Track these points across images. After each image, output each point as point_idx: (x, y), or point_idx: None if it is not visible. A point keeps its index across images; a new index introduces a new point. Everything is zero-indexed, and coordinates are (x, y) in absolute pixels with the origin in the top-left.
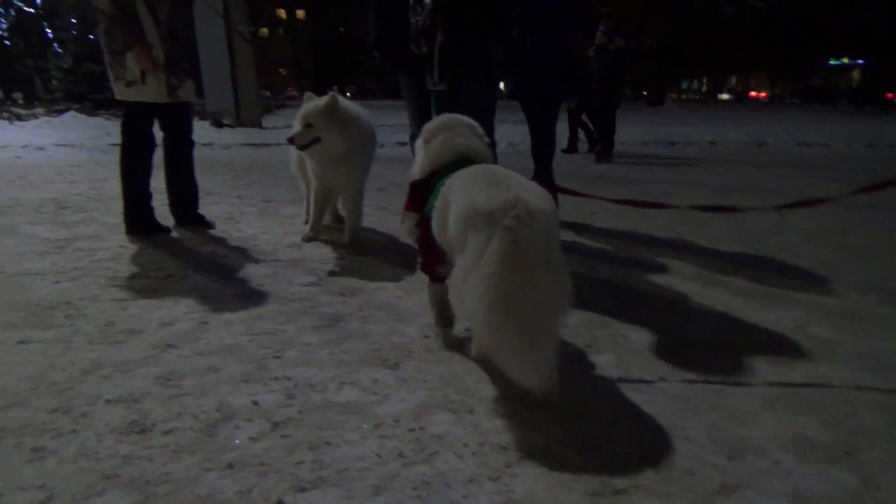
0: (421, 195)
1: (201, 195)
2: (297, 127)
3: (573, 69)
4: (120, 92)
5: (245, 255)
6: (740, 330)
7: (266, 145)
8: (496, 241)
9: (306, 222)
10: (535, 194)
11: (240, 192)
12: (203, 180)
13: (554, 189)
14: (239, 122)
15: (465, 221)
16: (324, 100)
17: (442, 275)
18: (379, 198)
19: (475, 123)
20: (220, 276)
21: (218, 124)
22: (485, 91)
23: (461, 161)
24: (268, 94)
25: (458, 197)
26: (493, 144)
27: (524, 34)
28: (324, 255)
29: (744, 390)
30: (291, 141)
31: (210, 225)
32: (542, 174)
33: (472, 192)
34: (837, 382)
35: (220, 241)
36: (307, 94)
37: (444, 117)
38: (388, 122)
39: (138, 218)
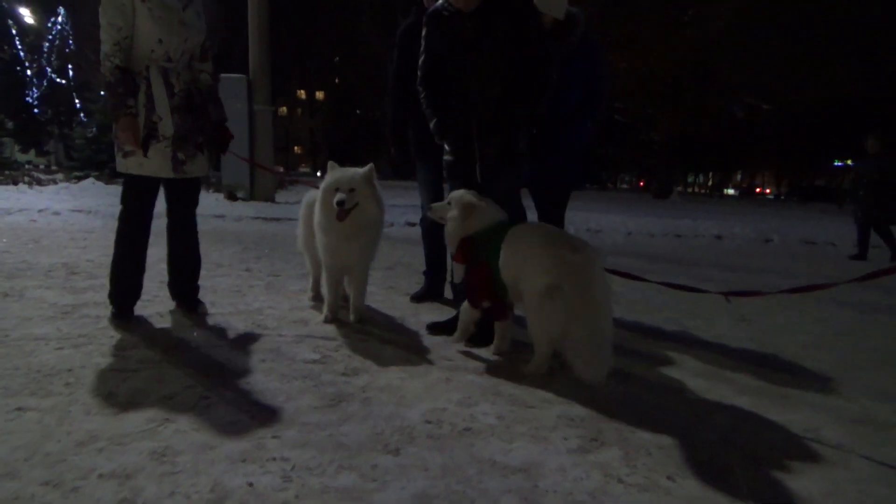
0: (471, 248)
1: (210, 267)
2: (333, 194)
3: (588, 159)
4: (119, 163)
5: (250, 329)
6: (749, 431)
7: (277, 220)
8: (595, 283)
9: (312, 298)
10: (581, 243)
11: (248, 265)
12: (213, 252)
13: None
14: (252, 196)
15: (559, 267)
16: (362, 168)
17: (483, 306)
18: (387, 277)
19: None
20: (224, 350)
21: (232, 197)
22: (514, 185)
23: (499, 225)
24: (281, 170)
25: (536, 245)
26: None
27: (541, 126)
28: (328, 332)
29: (755, 496)
30: (341, 204)
31: (201, 313)
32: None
33: (555, 243)
34: (853, 492)
35: (227, 314)
36: (330, 163)
37: (473, 192)
38: (397, 203)
39: (120, 304)
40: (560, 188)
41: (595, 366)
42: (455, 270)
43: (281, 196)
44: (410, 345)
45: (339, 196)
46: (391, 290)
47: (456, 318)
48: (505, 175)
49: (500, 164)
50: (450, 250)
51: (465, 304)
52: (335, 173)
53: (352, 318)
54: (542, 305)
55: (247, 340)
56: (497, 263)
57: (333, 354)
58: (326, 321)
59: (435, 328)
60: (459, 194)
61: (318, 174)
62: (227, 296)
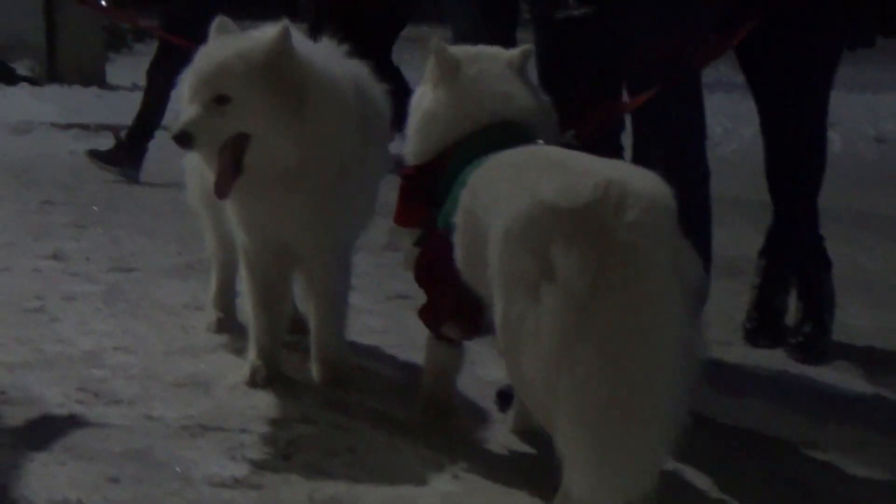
0: (423, 192)
1: None
2: (190, 105)
3: None
4: None
5: (70, 407)
6: None
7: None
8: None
9: (217, 324)
10: (635, 174)
11: (57, 245)
12: None
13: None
14: (53, 74)
15: (533, 233)
16: (261, 37)
17: (451, 335)
18: (389, 268)
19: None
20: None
21: (6, 76)
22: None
23: (497, 130)
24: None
25: (503, 194)
26: (705, 176)
27: None
28: (263, 407)
29: None
30: (183, 140)
31: None
32: (791, 224)
33: (532, 179)
34: None
35: (14, 365)
36: (218, 20)
37: (483, 46)
38: None
39: None
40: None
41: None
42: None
43: (118, 68)
44: (452, 450)
45: (183, 120)
46: (401, 302)
47: None
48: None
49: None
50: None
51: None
52: (204, 54)
53: (315, 374)
54: (519, 320)
55: (66, 440)
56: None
57: (270, 477)
58: (251, 382)
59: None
60: (456, 47)
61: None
62: (16, 321)
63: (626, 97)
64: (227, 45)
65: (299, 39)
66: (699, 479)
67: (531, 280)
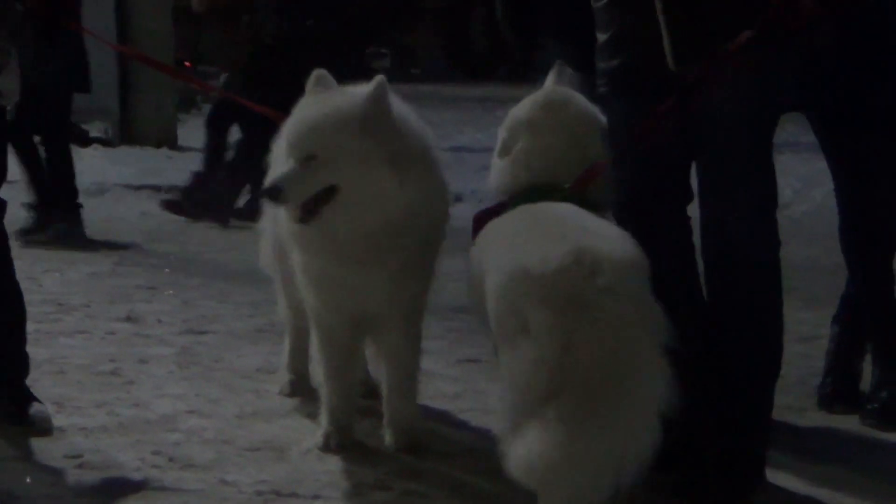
0: None
1: (44, 313)
2: (286, 162)
3: None
4: None
5: (146, 472)
6: None
7: None
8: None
9: (291, 388)
10: (611, 239)
11: (131, 308)
12: (45, 277)
13: None
14: (127, 136)
15: (512, 294)
16: (357, 93)
17: None
18: (459, 332)
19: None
20: None
21: (82, 139)
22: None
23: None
24: (188, 65)
25: (495, 256)
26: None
27: None
28: (337, 473)
29: None
30: (273, 194)
31: (39, 428)
32: (866, 289)
33: (519, 243)
34: None
35: (94, 431)
36: (316, 73)
37: (551, 94)
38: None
39: None
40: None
41: None
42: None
43: (190, 128)
44: None
45: (275, 177)
46: (473, 367)
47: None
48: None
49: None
50: None
51: None
52: (295, 116)
53: (388, 439)
54: (506, 366)
55: None
56: None
57: None
58: (325, 448)
59: None
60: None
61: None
62: (92, 384)
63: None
64: (322, 102)
65: (392, 97)
66: None
67: (512, 333)
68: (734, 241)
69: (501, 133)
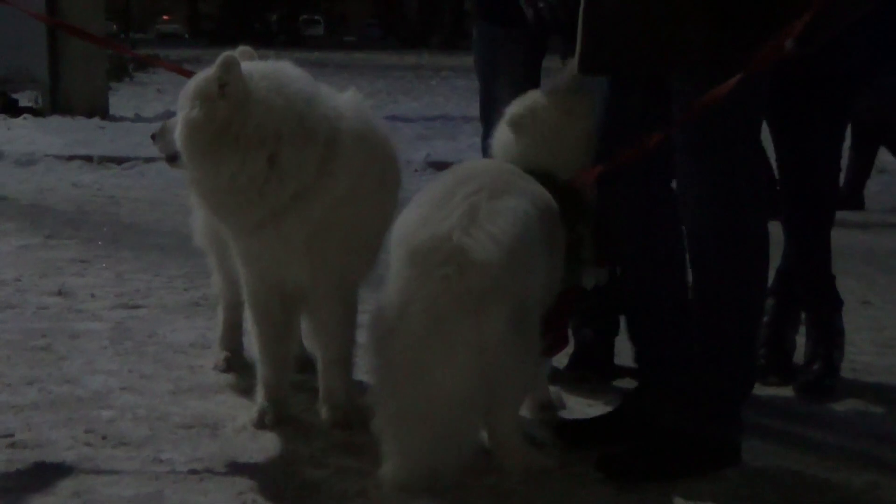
0: None
1: None
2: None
3: None
4: None
5: (87, 453)
6: None
7: (122, 160)
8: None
9: (225, 363)
10: (489, 231)
11: (63, 281)
12: None
13: None
14: (56, 105)
15: (393, 246)
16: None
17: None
18: None
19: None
20: None
21: (13, 109)
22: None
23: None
24: (116, 29)
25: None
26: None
27: None
28: (272, 450)
29: None
30: (153, 139)
31: None
32: (801, 262)
33: (413, 207)
34: None
35: (24, 408)
36: (241, 49)
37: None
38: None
39: None
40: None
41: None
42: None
43: (122, 98)
44: (467, 494)
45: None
46: None
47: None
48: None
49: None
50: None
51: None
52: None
53: (322, 416)
54: None
55: (76, 485)
56: None
57: None
58: (260, 424)
59: (571, 431)
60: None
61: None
62: (23, 360)
63: None
64: (207, 70)
65: (273, 69)
66: (712, 496)
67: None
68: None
69: (517, 106)
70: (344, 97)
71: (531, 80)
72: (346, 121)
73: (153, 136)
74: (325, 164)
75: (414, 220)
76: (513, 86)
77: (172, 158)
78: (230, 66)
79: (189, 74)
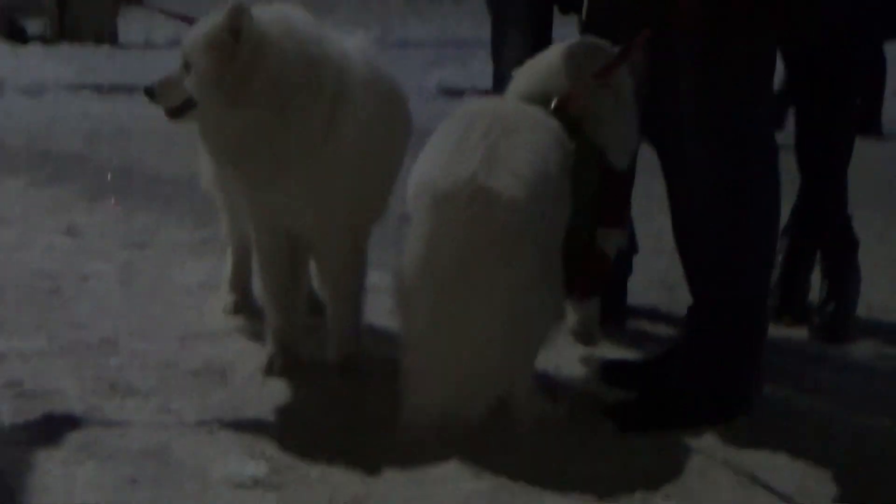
0: None
1: None
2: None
3: None
4: None
5: (95, 402)
6: None
7: (132, 89)
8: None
9: (235, 307)
10: (511, 168)
11: (71, 219)
12: None
13: None
14: (64, 32)
15: (414, 195)
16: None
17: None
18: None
19: None
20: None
21: (18, 35)
22: None
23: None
24: None
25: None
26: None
27: None
28: (280, 398)
29: None
30: (149, 93)
31: None
32: (817, 200)
33: (430, 151)
34: None
35: (30, 356)
36: None
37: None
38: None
39: None
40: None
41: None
42: None
43: (130, 22)
44: (476, 444)
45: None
46: None
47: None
48: None
49: None
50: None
51: None
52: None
53: (330, 359)
54: None
55: (84, 437)
56: None
57: (289, 476)
58: (268, 370)
59: (615, 371)
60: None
61: None
62: (32, 304)
63: None
64: (211, 17)
65: (282, 16)
66: (724, 454)
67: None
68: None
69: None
70: (352, 43)
71: (540, 23)
72: (354, 70)
73: (149, 91)
74: (334, 114)
75: (434, 169)
76: (521, 26)
77: (176, 112)
78: (242, 13)
79: (190, 21)
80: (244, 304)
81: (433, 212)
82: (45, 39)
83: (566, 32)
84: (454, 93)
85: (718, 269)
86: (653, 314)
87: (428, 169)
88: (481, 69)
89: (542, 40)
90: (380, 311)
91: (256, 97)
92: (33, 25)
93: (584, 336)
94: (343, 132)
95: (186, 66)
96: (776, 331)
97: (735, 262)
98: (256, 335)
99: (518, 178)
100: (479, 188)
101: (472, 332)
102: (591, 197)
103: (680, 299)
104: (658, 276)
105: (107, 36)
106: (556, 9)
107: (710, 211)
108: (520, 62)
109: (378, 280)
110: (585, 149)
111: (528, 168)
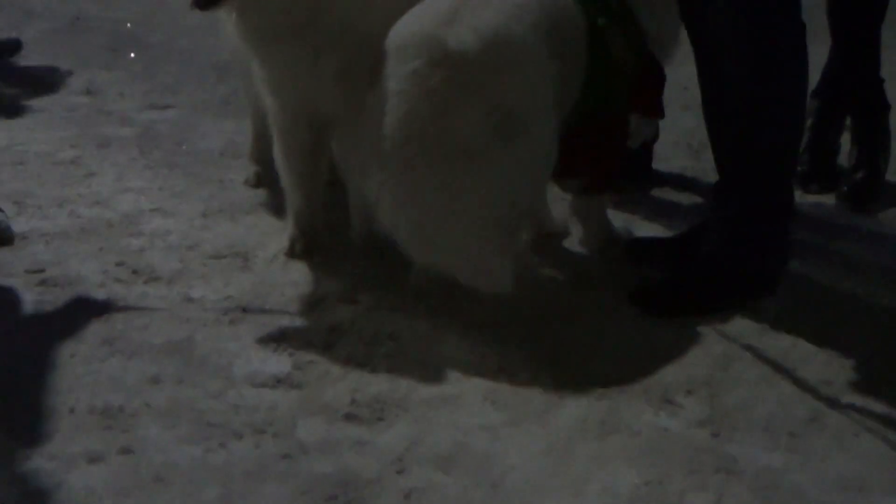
0: None
1: None
2: None
3: None
4: None
5: (118, 290)
6: None
7: None
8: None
9: (257, 178)
10: (470, 23)
11: (92, 77)
12: None
13: None
14: None
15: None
16: None
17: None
18: None
19: None
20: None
21: None
22: None
23: None
24: None
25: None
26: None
27: None
28: (302, 284)
29: None
30: None
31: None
32: (848, 61)
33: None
34: None
35: (55, 236)
36: None
37: None
38: None
39: None
40: None
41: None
42: None
43: None
44: (494, 335)
45: None
46: None
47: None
48: None
49: None
50: None
51: None
52: None
53: (355, 232)
54: None
55: (106, 330)
56: None
57: (311, 373)
58: (290, 253)
59: (641, 249)
60: None
61: None
62: (52, 177)
63: None
64: None
65: None
66: (749, 342)
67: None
68: None
69: None
70: None
71: None
72: None
73: None
74: None
75: (401, 24)
76: None
77: (207, 2)
78: None
79: None
80: (266, 176)
81: (388, 62)
82: None
83: None
84: None
85: (746, 142)
86: (679, 181)
87: (398, 24)
88: None
89: None
90: None
91: None
92: None
93: (601, 244)
94: (370, 13)
95: None
96: (804, 198)
97: (764, 131)
98: (278, 210)
99: (475, 33)
100: (428, 38)
101: (426, 189)
102: (628, 83)
103: (706, 166)
104: (684, 138)
105: None
106: None
107: (738, 79)
108: None
109: None
110: (632, 32)
111: (489, 26)
